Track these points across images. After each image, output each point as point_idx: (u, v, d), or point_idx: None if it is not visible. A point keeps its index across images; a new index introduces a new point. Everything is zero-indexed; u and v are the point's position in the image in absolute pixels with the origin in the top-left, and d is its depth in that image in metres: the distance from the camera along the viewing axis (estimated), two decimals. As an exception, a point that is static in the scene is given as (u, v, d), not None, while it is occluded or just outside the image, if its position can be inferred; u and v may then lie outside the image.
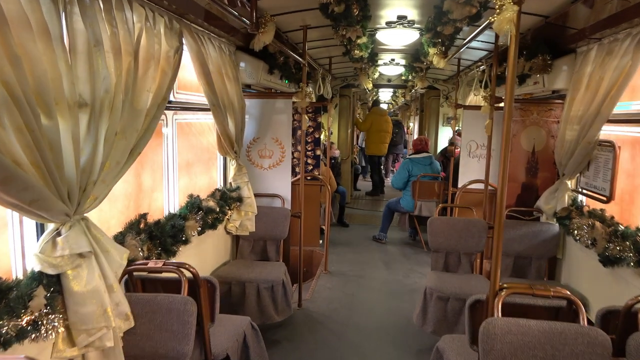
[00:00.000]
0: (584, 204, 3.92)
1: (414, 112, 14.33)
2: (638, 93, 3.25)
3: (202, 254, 3.79)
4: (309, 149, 6.60)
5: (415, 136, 14.20)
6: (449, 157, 8.08)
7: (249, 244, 4.47)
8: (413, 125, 15.83)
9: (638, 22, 2.97)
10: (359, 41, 4.31)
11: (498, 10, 2.01)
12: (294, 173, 5.95)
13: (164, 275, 2.50)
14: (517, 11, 1.94)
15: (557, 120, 4.30)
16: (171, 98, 3.31)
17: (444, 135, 9.85)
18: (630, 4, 2.91)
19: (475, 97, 6.01)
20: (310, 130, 6.54)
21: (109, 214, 2.65)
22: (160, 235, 2.91)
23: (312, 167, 6.61)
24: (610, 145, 3.38)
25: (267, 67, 4.55)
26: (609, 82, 3.20)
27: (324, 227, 6.63)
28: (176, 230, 3.12)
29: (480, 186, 5.46)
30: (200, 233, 3.54)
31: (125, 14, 2.35)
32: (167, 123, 3.27)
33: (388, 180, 12.95)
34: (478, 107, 6.00)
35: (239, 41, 4.17)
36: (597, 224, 3.32)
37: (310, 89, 6.83)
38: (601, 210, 3.50)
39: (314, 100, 7.30)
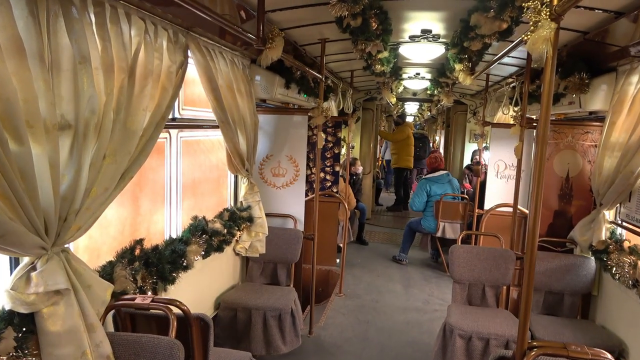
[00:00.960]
0: (624, 238, 3.56)
1: (440, 126, 13.96)
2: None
3: (207, 278, 3.59)
4: (328, 164, 6.38)
5: (442, 151, 13.83)
6: (473, 170, 7.74)
7: (259, 266, 4.25)
8: (439, 139, 15.43)
9: (692, 40, 2.65)
10: (379, 56, 4.07)
11: (532, 27, 1.74)
12: (310, 189, 5.74)
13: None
14: (555, 29, 1.67)
15: (595, 145, 3.95)
16: (176, 115, 3.15)
17: (471, 152, 9.48)
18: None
19: (505, 115, 5.68)
20: (330, 145, 6.33)
21: (100, 240, 2.47)
22: (157, 262, 2.72)
23: (330, 183, 6.38)
24: (656, 176, 3.04)
25: (283, 81, 4.36)
26: (656, 106, 2.87)
27: (341, 244, 6.38)
28: (176, 256, 2.92)
29: (508, 209, 5.13)
30: (205, 257, 3.34)
31: (122, 28, 2.18)
32: (170, 141, 3.09)
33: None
34: (507, 125, 5.68)
35: (253, 54, 3.99)
36: (640, 264, 2.97)
37: (331, 104, 6.63)
38: (644, 247, 3.15)
39: (335, 114, 7.10)
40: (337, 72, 6.37)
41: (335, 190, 6.36)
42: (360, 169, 8.10)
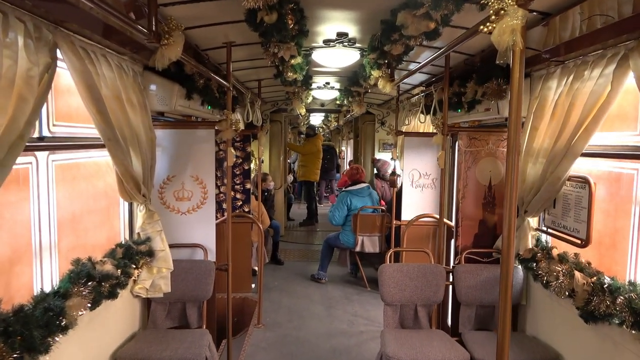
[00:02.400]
0: (550, 245, 3.51)
1: (346, 136, 13.98)
2: (616, 123, 2.87)
3: (97, 332, 2.91)
4: (238, 182, 5.86)
5: (348, 161, 13.87)
6: (386, 179, 7.64)
7: (164, 308, 3.61)
8: (346, 149, 15.51)
9: (613, 43, 2.60)
10: (293, 62, 3.69)
11: (493, 17, 1.45)
12: (220, 211, 5.20)
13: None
14: (524, 17, 1.40)
15: (514, 151, 3.90)
16: (45, 133, 2.47)
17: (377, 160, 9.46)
18: (608, 22, 2.54)
19: (422, 124, 5.60)
20: (239, 161, 5.81)
21: None
22: (22, 330, 2.04)
23: (241, 202, 5.86)
24: (583, 181, 2.97)
25: (183, 91, 3.79)
26: (582, 111, 2.79)
27: (256, 268, 5.88)
28: (51, 316, 2.25)
29: (426, 218, 5.02)
30: (92, 308, 2.67)
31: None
32: (37, 167, 2.41)
33: (321, 207, 12.41)
34: (421, 134, 5.62)
35: (146, 60, 3.41)
36: (577, 273, 2.86)
37: (238, 116, 6.14)
38: (575, 255, 3.07)
39: (243, 127, 6.61)
40: (244, 82, 5.89)
41: (247, 210, 5.86)
42: (271, 185, 7.65)
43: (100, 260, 2.90)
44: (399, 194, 5.73)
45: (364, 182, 6.84)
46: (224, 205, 5.77)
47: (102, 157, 3.07)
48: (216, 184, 5.16)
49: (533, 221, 3.61)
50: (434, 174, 5.38)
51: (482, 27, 1.53)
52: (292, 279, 6.81)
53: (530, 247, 3.52)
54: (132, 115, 3.07)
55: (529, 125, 3.45)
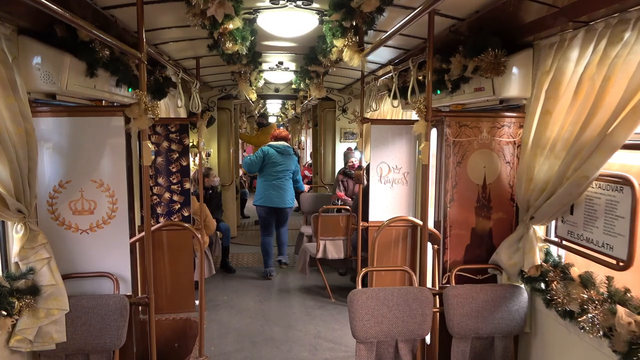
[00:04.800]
0: (563, 261, 2.77)
1: (305, 126, 13.07)
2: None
3: None
4: (175, 181, 4.85)
5: (308, 152, 13.01)
6: (350, 175, 6.85)
7: (57, 364, 2.64)
8: (305, 140, 14.61)
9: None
10: (229, 25, 2.75)
11: None
12: (154, 217, 4.28)
13: None
14: None
15: (513, 141, 3.14)
16: None
17: (342, 152, 8.65)
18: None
19: (390, 110, 4.80)
20: (175, 156, 4.81)
21: None
22: None
23: (179, 205, 4.86)
24: (621, 182, 2.22)
25: (81, 65, 2.80)
26: (626, 87, 2.03)
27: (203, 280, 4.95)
28: None
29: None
30: None
31: None
32: None
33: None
34: (389, 122, 4.83)
35: (22, 20, 2.43)
36: (621, 309, 2.11)
37: (177, 102, 5.15)
38: (608, 279, 2.33)
39: (183, 115, 5.59)
40: (179, 59, 4.88)
41: (187, 214, 4.87)
42: (216, 180, 6.60)
43: None
44: (366, 191, 4.92)
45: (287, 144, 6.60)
46: (158, 210, 4.80)
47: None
48: (150, 186, 4.22)
49: (540, 230, 2.87)
50: (406, 167, 4.60)
51: None
52: (245, 291, 5.89)
53: (539, 262, 2.77)
54: (-14, 96, 2.08)
55: (537, 109, 2.68)
